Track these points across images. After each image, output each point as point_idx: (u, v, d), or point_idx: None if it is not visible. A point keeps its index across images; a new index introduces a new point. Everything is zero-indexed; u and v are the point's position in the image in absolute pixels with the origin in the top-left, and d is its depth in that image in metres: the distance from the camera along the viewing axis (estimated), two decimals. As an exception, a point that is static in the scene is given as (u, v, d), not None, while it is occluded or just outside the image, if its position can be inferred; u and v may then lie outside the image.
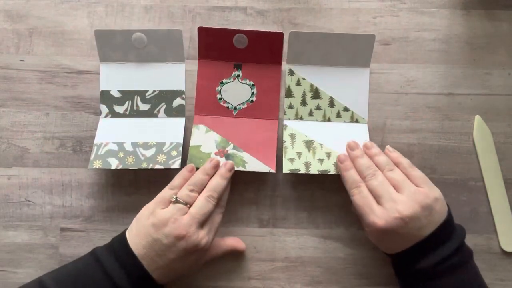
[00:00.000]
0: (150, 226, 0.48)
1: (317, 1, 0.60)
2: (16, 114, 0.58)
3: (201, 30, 0.55)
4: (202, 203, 0.50)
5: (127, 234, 0.49)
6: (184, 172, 0.53)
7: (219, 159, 0.53)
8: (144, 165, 0.53)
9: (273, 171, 0.54)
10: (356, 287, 0.55)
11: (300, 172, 0.54)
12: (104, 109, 0.57)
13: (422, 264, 0.47)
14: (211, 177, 0.52)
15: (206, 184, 0.51)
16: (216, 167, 0.53)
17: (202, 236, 0.48)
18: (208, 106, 0.57)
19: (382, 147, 0.57)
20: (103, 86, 0.57)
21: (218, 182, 0.51)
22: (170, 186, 0.52)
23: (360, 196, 0.50)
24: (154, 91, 0.57)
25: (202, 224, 0.49)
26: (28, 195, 0.56)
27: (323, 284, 0.55)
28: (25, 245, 0.56)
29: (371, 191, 0.50)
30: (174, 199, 0.50)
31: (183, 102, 0.57)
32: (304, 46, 0.56)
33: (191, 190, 0.50)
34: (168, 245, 0.47)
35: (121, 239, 0.49)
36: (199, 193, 0.51)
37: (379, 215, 0.47)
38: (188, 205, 0.50)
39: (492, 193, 0.56)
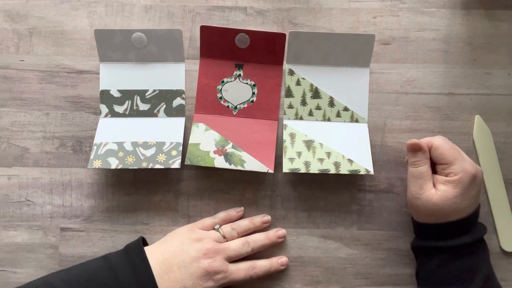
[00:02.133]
0: (186, 238, 0.51)
1: (317, 1, 0.60)
2: (16, 114, 0.58)
3: (203, 29, 0.55)
4: (239, 243, 0.52)
5: (148, 247, 0.50)
6: (232, 210, 0.55)
7: (269, 219, 0.55)
8: (144, 165, 0.53)
9: (271, 171, 0.54)
10: (356, 287, 0.55)
11: (300, 171, 0.54)
12: (104, 109, 0.57)
13: (464, 239, 0.49)
14: (255, 228, 0.54)
15: (248, 231, 0.54)
16: (265, 223, 0.55)
17: (226, 269, 0.50)
18: (208, 104, 0.57)
19: (382, 147, 0.57)
20: (103, 86, 0.57)
21: (261, 239, 0.54)
22: (214, 216, 0.55)
23: (449, 143, 0.50)
24: (154, 91, 0.57)
25: (229, 261, 0.51)
26: (28, 195, 0.56)
27: (323, 284, 0.55)
28: (25, 245, 0.56)
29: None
30: (217, 227, 0.53)
31: (183, 102, 0.57)
32: (304, 46, 0.56)
33: (233, 229, 0.53)
34: (193, 258, 0.49)
35: (138, 248, 0.50)
36: (239, 235, 0.53)
37: (470, 162, 0.50)
38: (225, 240, 0.52)
39: (492, 193, 0.56)
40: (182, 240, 0.51)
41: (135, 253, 0.49)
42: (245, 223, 0.54)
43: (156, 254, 0.49)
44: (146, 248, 0.50)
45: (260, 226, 0.55)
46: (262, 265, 0.52)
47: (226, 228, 0.53)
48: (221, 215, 0.55)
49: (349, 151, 0.55)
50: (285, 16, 0.60)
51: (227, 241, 0.52)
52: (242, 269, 0.51)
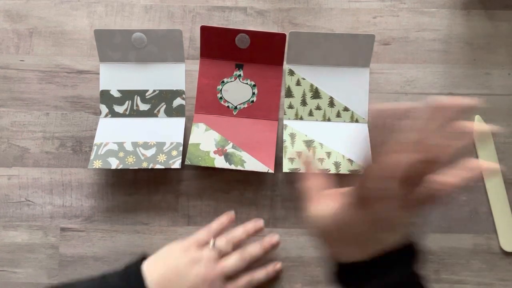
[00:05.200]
0: (182, 260, 0.49)
1: (317, 1, 0.60)
2: (16, 114, 0.58)
3: (204, 29, 0.55)
4: (235, 261, 0.51)
5: (146, 265, 0.49)
6: (224, 219, 0.53)
7: (262, 226, 0.54)
8: (144, 165, 0.53)
9: (271, 171, 0.54)
10: (356, 287, 0.55)
11: (300, 171, 0.54)
12: (104, 109, 0.57)
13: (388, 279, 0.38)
14: (249, 236, 0.53)
15: (242, 241, 0.52)
16: (258, 230, 0.53)
17: None
18: (208, 105, 0.57)
19: (382, 147, 0.57)
20: (103, 86, 0.57)
21: (257, 251, 0.52)
22: (208, 229, 0.52)
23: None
24: (154, 91, 0.57)
25: (227, 278, 0.50)
26: (28, 195, 0.56)
27: (323, 284, 0.55)
28: (25, 245, 0.56)
29: None
30: (212, 244, 0.51)
31: (183, 102, 0.57)
32: (304, 46, 0.56)
33: (228, 242, 0.51)
34: (192, 284, 0.48)
35: (137, 273, 0.48)
36: (234, 248, 0.52)
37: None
38: (222, 254, 0.51)
39: (492, 193, 0.56)
40: (179, 263, 0.49)
41: (134, 278, 0.48)
42: (238, 234, 0.52)
43: (153, 276, 0.48)
44: (144, 271, 0.48)
45: (254, 234, 0.53)
46: (259, 278, 0.52)
47: (221, 242, 0.51)
48: (215, 226, 0.53)
49: (349, 151, 0.55)
50: (285, 16, 0.60)
51: (223, 256, 0.51)
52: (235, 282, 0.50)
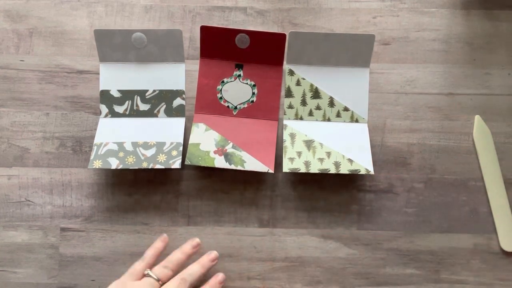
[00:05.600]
0: None
1: (317, 1, 0.60)
2: (16, 114, 0.58)
3: (204, 29, 0.55)
4: (175, 284, 0.49)
5: None
6: (157, 243, 0.53)
7: (199, 242, 0.53)
8: (144, 165, 0.53)
9: (271, 171, 0.54)
10: (356, 287, 0.55)
11: (300, 171, 0.54)
12: (104, 109, 0.57)
13: None
14: (188, 257, 0.52)
15: (182, 263, 0.51)
16: (195, 247, 0.53)
17: None
18: (208, 105, 0.57)
19: (382, 147, 0.57)
20: (103, 86, 0.57)
21: (197, 269, 0.51)
22: (142, 258, 0.51)
23: None
24: (154, 91, 0.57)
25: None
26: (28, 195, 0.56)
27: (323, 284, 0.55)
28: (25, 245, 0.56)
29: None
30: (147, 273, 0.50)
31: (183, 102, 0.57)
32: (304, 46, 0.56)
33: (165, 267, 0.50)
34: None
35: None
36: (173, 271, 0.50)
37: None
38: (160, 281, 0.49)
39: (492, 193, 0.56)
40: None
41: None
42: (176, 257, 0.51)
43: None
44: None
45: (192, 253, 0.52)
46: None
47: (158, 270, 0.50)
48: (149, 253, 0.52)
49: (349, 151, 0.55)
50: (285, 16, 0.60)
51: (163, 283, 0.49)
52: None
